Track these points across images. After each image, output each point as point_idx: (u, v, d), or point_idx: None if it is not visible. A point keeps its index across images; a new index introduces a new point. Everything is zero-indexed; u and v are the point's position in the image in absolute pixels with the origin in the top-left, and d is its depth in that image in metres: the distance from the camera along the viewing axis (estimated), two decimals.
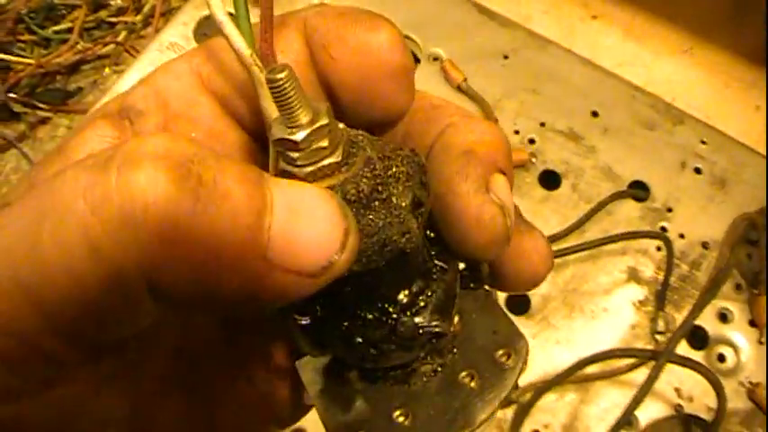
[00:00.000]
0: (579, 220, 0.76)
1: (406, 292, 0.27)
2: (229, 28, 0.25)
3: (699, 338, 0.72)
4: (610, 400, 0.70)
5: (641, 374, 0.69)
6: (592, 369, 0.70)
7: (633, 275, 0.75)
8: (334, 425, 0.29)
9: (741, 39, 0.83)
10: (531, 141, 0.81)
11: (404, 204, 0.25)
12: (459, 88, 0.82)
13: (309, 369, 0.31)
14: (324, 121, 0.24)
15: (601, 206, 0.77)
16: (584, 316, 0.73)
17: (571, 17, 0.89)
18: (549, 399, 0.70)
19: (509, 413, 0.69)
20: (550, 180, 0.79)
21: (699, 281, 0.74)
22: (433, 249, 0.29)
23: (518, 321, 0.31)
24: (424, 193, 0.26)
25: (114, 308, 0.21)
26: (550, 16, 0.89)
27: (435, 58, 0.84)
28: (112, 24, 0.91)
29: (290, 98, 0.24)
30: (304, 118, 0.24)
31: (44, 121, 0.86)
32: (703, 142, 0.80)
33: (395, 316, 0.27)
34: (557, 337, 0.72)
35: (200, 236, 0.20)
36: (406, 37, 0.85)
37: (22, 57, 0.86)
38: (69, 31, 0.88)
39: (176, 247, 0.20)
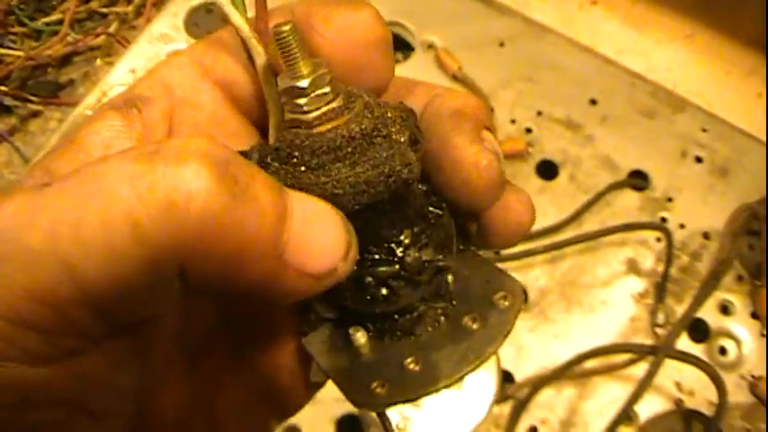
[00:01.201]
0: (577, 210, 0.75)
1: (408, 232, 0.30)
2: (228, 7, 0.29)
3: (700, 331, 0.71)
4: (609, 395, 0.68)
5: (641, 369, 0.68)
6: (590, 364, 0.69)
7: (632, 267, 0.73)
8: (350, 386, 0.30)
9: (742, 25, 0.81)
10: (528, 131, 0.79)
11: (402, 140, 0.28)
12: (454, 77, 0.80)
13: (316, 342, 0.32)
14: (324, 69, 0.27)
15: (599, 196, 0.75)
16: (582, 309, 0.72)
17: (570, 3, 0.87)
18: (546, 394, 0.68)
19: (506, 409, 0.68)
20: (548, 170, 0.78)
21: (700, 272, 0.73)
22: (427, 202, 0.31)
23: None
24: (419, 132, 0.29)
25: (145, 287, 0.23)
26: (548, 2, 0.87)
27: (430, 46, 0.83)
28: (104, 15, 0.90)
29: (293, 50, 0.27)
30: (305, 69, 0.27)
31: (36, 114, 0.86)
32: (704, 130, 0.78)
33: (401, 253, 0.29)
34: (554, 330, 0.71)
35: (232, 230, 0.23)
36: (401, 24, 0.84)
37: (13, 49, 0.85)
38: (60, 22, 0.86)
39: (210, 236, 0.23)
